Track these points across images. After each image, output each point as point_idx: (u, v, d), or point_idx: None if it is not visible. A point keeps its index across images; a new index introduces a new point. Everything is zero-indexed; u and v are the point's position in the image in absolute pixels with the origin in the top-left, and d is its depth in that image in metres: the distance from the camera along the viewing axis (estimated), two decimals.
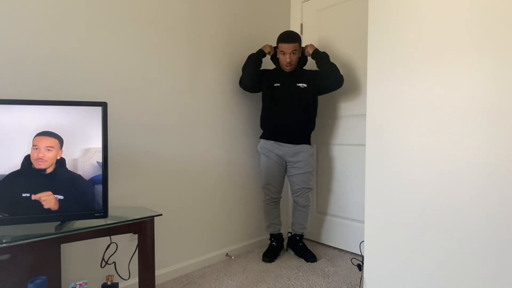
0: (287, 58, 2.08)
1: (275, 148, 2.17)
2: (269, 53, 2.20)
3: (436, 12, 1.26)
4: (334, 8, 2.41)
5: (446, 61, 1.24)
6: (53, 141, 1.17)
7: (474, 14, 1.17)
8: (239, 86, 2.26)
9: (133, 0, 1.72)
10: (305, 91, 2.12)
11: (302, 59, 2.20)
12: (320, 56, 2.12)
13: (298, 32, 2.62)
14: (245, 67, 2.17)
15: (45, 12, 1.43)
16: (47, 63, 1.44)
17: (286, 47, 2.06)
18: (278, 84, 2.14)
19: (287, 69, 2.14)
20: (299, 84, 2.12)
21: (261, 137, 2.25)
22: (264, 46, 2.20)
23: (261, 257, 2.21)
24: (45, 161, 1.16)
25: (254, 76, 2.14)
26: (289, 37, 2.07)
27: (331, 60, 2.13)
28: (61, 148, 1.18)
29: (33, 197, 1.14)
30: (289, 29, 2.70)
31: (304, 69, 2.22)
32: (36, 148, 1.15)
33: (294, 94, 2.12)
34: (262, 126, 2.24)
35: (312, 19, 2.55)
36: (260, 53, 2.18)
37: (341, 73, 2.13)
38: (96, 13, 1.59)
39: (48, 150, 1.16)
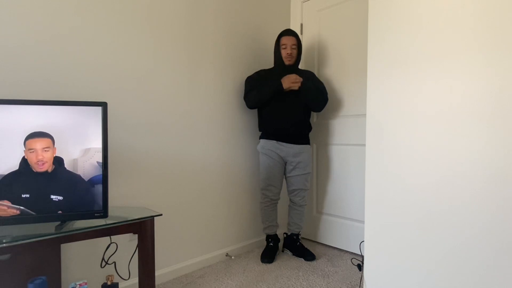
0: (288, 50, 2.12)
1: (277, 148, 2.16)
2: (286, 89, 2.08)
3: (437, 12, 1.26)
4: (334, 8, 2.41)
5: (447, 61, 1.24)
6: (47, 141, 1.16)
7: (476, 14, 1.17)
8: (238, 87, 2.27)
9: (134, 1, 1.72)
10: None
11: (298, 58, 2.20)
12: (306, 91, 2.11)
13: (298, 32, 2.63)
14: (260, 93, 2.09)
15: (45, 12, 1.43)
16: (47, 63, 1.44)
17: (287, 39, 2.12)
18: None
19: (287, 62, 2.14)
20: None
21: (261, 137, 2.24)
22: (284, 80, 2.06)
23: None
24: (45, 162, 1.15)
25: (264, 102, 2.14)
26: (290, 31, 2.15)
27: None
28: (53, 146, 1.18)
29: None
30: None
31: (300, 69, 2.24)
32: (33, 151, 1.14)
33: (292, 96, 2.13)
34: (261, 127, 2.23)
35: (312, 19, 2.55)
36: (280, 89, 2.07)
37: (327, 95, 2.22)
38: (96, 13, 1.59)
39: (45, 151, 1.16)
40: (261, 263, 2.13)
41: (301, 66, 2.61)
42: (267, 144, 2.18)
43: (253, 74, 2.23)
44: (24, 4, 1.37)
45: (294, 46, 2.12)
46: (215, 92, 2.14)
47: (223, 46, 2.19)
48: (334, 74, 2.42)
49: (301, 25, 2.63)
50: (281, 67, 2.17)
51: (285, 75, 2.12)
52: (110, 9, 1.64)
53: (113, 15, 1.65)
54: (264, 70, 2.24)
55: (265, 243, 2.48)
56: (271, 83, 2.09)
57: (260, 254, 2.26)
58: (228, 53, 2.22)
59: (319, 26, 2.51)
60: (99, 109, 1.23)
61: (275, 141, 2.17)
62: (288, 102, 2.13)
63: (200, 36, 2.05)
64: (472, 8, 1.17)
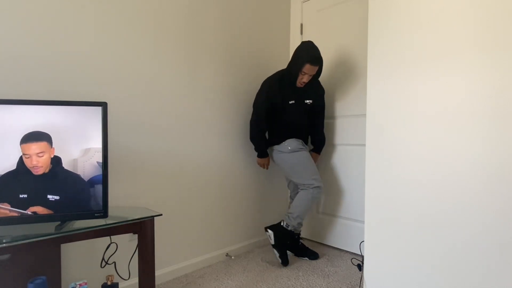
0: (304, 78, 2.08)
1: (299, 143, 2.21)
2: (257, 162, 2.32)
3: (437, 12, 1.26)
4: (334, 8, 2.41)
5: (447, 61, 1.24)
6: (41, 145, 1.14)
7: (476, 14, 1.17)
8: (238, 88, 2.28)
9: (134, 2, 1.72)
10: (310, 105, 2.24)
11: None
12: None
13: (298, 32, 2.63)
14: (253, 140, 2.24)
15: (47, 13, 1.43)
16: (48, 63, 1.44)
17: (312, 69, 2.04)
18: (293, 102, 2.16)
19: (299, 85, 2.14)
20: (307, 101, 2.21)
21: (279, 141, 2.19)
22: (258, 161, 2.29)
23: (261, 257, 2.20)
24: (41, 167, 1.14)
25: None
26: (318, 60, 2.04)
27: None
28: (51, 146, 1.16)
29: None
30: (289, 29, 2.70)
31: (308, 85, 2.20)
32: (28, 157, 1.12)
33: (303, 109, 2.21)
34: (278, 132, 2.20)
35: (312, 19, 2.55)
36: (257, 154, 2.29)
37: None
38: (97, 14, 1.59)
39: (40, 156, 1.14)
40: (261, 263, 2.13)
41: None
42: (293, 142, 2.18)
43: (263, 97, 2.14)
44: (24, 3, 1.37)
45: (312, 75, 2.07)
46: (215, 93, 2.14)
47: (223, 46, 2.19)
48: (334, 74, 2.42)
49: (301, 25, 2.63)
50: (292, 83, 2.14)
51: (299, 94, 2.17)
52: (110, 10, 1.64)
53: (113, 15, 1.65)
54: (274, 83, 2.15)
55: (267, 242, 2.45)
56: (258, 147, 2.22)
57: (262, 253, 2.16)
58: (228, 53, 2.22)
59: (319, 26, 2.51)
60: (99, 109, 1.23)
61: (295, 139, 2.19)
62: (300, 115, 2.20)
63: (201, 37, 2.05)
64: (472, 8, 1.17)
